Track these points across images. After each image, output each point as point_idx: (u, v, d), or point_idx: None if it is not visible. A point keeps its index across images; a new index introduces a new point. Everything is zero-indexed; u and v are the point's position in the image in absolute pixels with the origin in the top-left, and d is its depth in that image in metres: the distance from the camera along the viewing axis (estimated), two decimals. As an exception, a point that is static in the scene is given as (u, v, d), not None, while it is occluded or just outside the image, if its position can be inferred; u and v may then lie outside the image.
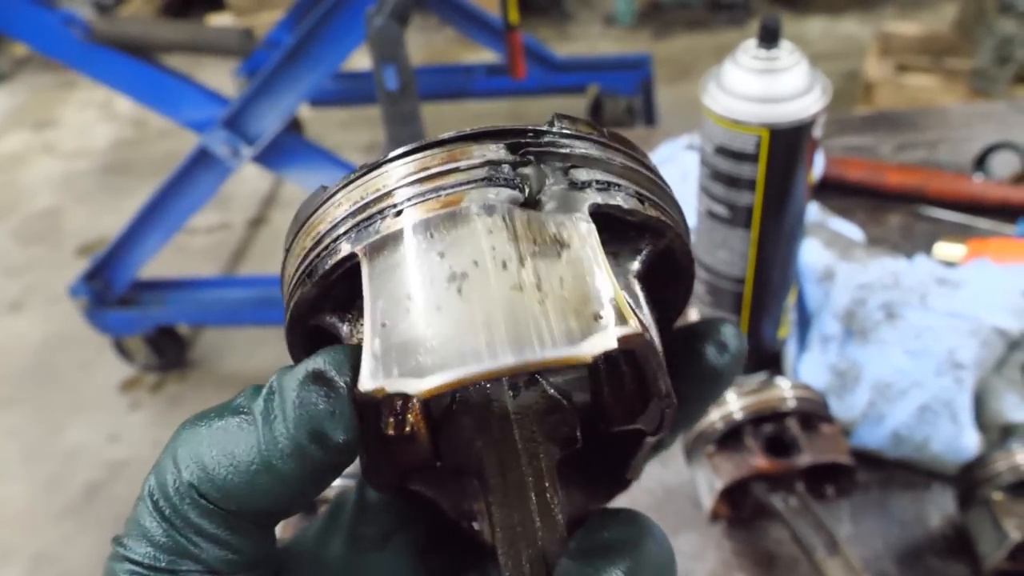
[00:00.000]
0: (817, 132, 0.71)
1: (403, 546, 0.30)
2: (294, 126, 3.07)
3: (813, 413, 0.72)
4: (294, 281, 0.27)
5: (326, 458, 0.24)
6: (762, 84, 0.69)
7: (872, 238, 1.01)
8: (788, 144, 0.70)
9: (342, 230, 0.25)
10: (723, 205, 0.75)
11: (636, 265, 0.27)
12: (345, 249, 0.25)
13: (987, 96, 2.60)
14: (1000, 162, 1.08)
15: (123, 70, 2.05)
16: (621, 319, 0.23)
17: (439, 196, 0.24)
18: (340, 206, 0.26)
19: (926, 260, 0.87)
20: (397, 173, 0.25)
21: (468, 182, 0.25)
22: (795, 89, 0.69)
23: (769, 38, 0.69)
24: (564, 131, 0.26)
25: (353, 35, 1.82)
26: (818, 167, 1.06)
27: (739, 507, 0.75)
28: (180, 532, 0.25)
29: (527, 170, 0.25)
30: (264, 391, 0.25)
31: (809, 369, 0.82)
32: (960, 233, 1.01)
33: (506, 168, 0.25)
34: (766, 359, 0.87)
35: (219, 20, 3.86)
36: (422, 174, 0.25)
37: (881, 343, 0.78)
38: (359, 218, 0.25)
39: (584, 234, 0.24)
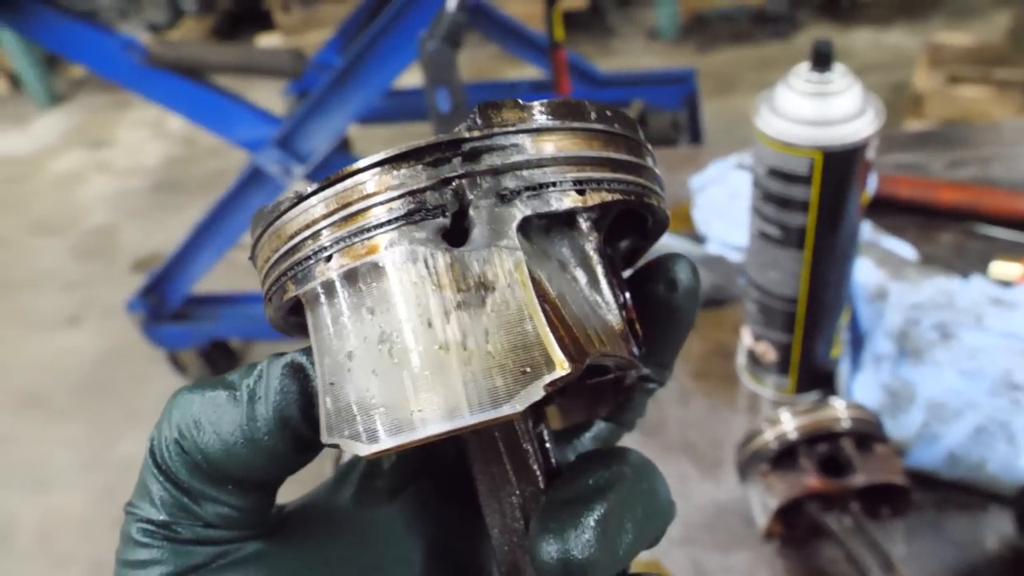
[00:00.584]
0: (870, 154, 0.72)
1: (411, 499, 0.30)
2: (344, 145, 3.13)
3: (867, 433, 0.73)
4: (264, 292, 0.27)
5: (298, 443, 0.26)
6: (815, 107, 0.70)
7: (924, 256, 1.00)
8: (841, 166, 0.71)
9: (284, 266, 0.25)
10: (775, 226, 0.76)
11: (592, 240, 0.26)
12: (291, 290, 0.25)
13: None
14: (1055, 178, 1.07)
15: (179, 91, 2.11)
16: (549, 365, 0.22)
17: (362, 241, 0.23)
18: (279, 239, 0.25)
19: (981, 280, 0.87)
20: (320, 209, 0.24)
21: (388, 222, 0.23)
22: (848, 112, 0.70)
23: (822, 61, 0.70)
24: (488, 132, 0.24)
25: (403, 56, 1.86)
26: (869, 186, 1.06)
27: (793, 526, 0.76)
28: (178, 489, 0.26)
29: (449, 192, 0.24)
30: (255, 373, 0.26)
31: (862, 389, 0.82)
32: (1015, 251, 1.00)
33: (428, 195, 0.23)
34: (819, 378, 0.87)
35: (268, 40, 3.94)
36: (343, 212, 0.24)
37: (935, 363, 0.78)
38: (295, 258, 0.25)
39: (510, 269, 0.23)
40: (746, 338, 0.88)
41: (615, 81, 2.92)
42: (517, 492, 0.27)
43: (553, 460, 0.28)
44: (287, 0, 3.88)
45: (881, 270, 0.89)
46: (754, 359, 0.88)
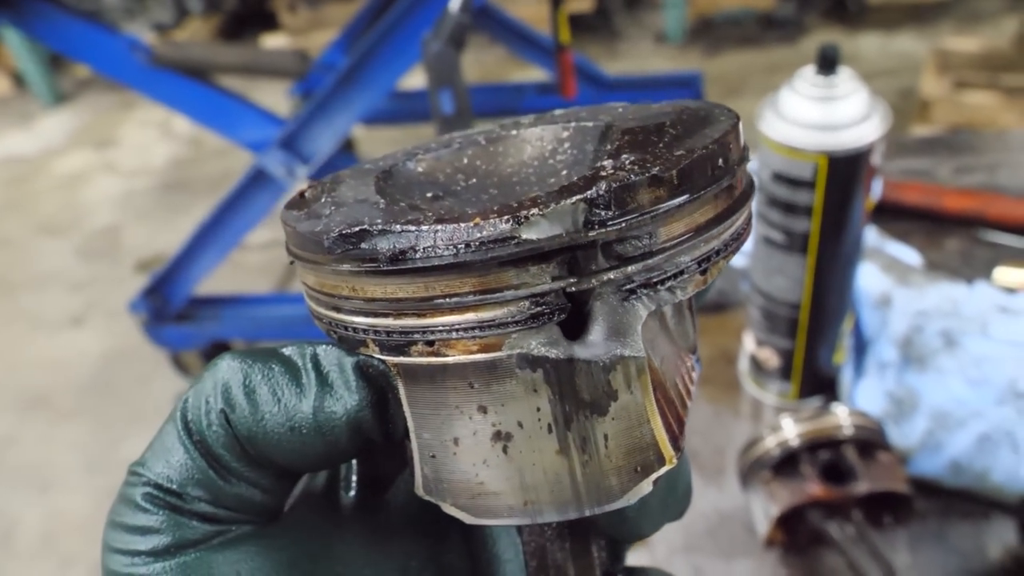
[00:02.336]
0: (876, 159, 0.71)
1: (408, 509, 0.29)
2: (348, 146, 3.13)
3: (870, 441, 0.72)
4: (312, 312, 0.25)
5: (365, 442, 0.25)
6: (820, 111, 0.69)
7: (930, 262, 1.00)
8: (846, 171, 0.70)
9: (360, 322, 0.23)
10: (779, 231, 0.75)
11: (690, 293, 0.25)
12: (373, 349, 0.23)
13: (1048, 113, 2.54)
14: (1063, 185, 1.06)
15: (184, 92, 2.11)
16: (661, 461, 0.23)
17: (476, 337, 0.21)
18: (352, 289, 0.23)
19: (987, 287, 0.86)
20: (415, 290, 0.22)
21: (508, 323, 0.21)
22: (854, 116, 0.69)
23: (828, 65, 0.70)
24: (621, 224, 0.21)
25: (407, 57, 1.86)
26: (875, 191, 1.05)
27: (794, 534, 0.75)
28: (207, 461, 0.25)
29: (574, 288, 0.22)
30: (324, 363, 0.25)
31: (865, 395, 0.82)
32: (1021, 258, 0.99)
33: (552, 297, 0.21)
34: (822, 384, 0.86)
35: (274, 40, 3.95)
36: (455, 300, 0.21)
37: (939, 371, 0.77)
38: (381, 324, 0.23)
39: (633, 375, 0.22)
40: (749, 344, 0.87)
41: (621, 84, 2.91)
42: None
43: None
44: (293, 1, 3.88)
45: (886, 276, 0.88)
46: (757, 365, 0.87)
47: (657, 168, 0.21)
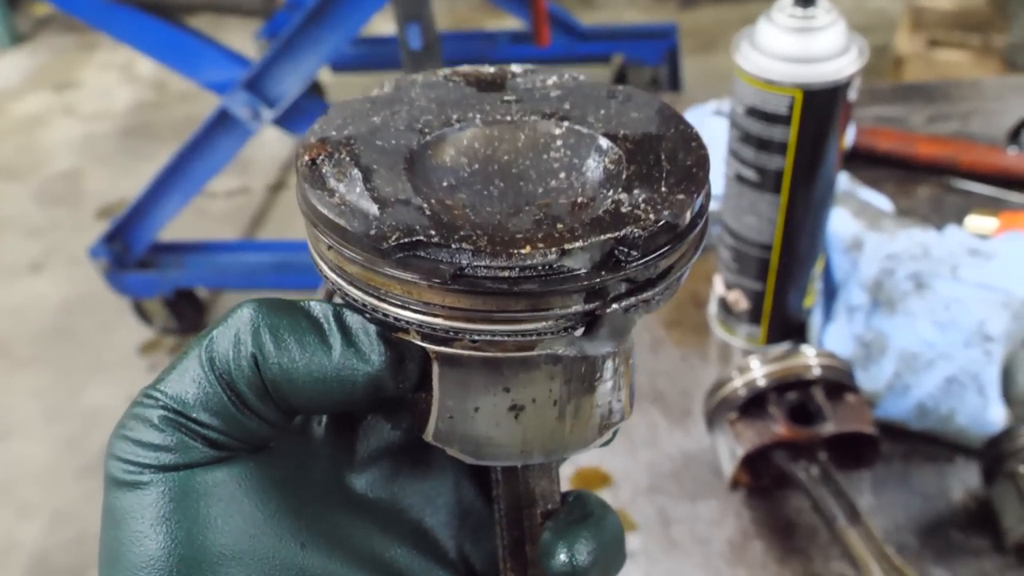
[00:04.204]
0: (852, 95, 0.69)
1: (376, 428, 0.33)
2: (316, 91, 3.06)
3: (838, 382, 0.71)
4: (339, 291, 0.28)
5: (380, 397, 0.28)
6: (797, 43, 0.67)
7: (902, 210, 0.99)
8: (822, 106, 0.68)
9: (408, 317, 0.26)
10: (753, 169, 0.74)
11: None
12: (414, 336, 0.26)
13: (1021, 72, 2.55)
14: (1035, 135, 1.06)
15: (145, 29, 2.04)
16: (621, 417, 0.31)
17: (517, 340, 0.26)
18: (406, 291, 0.25)
19: (957, 230, 0.85)
20: (471, 303, 0.25)
21: (543, 332, 0.26)
22: (831, 49, 0.67)
23: (805, -4, 0.67)
24: (636, 270, 0.26)
25: (376, -3, 1.81)
26: (848, 136, 1.04)
27: (760, 475, 0.75)
28: (224, 391, 0.27)
29: (599, 311, 0.26)
30: (348, 326, 0.28)
31: (834, 339, 0.81)
32: (992, 206, 0.99)
33: (580, 316, 0.26)
34: (791, 328, 0.86)
35: (241, -16, 3.84)
36: (507, 315, 0.25)
37: (908, 314, 0.77)
38: (429, 322, 0.26)
39: (621, 363, 0.29)
40: (718, 287, 0.86)
41: (596, 34, 2.87)
42: (541, 502, 0.32)
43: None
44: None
45: (857, 221, 0.87)
46: (726, 308, 0.86)
47: (668, 215, 0.26)
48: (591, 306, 0.25)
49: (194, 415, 0.27)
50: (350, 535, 0.30)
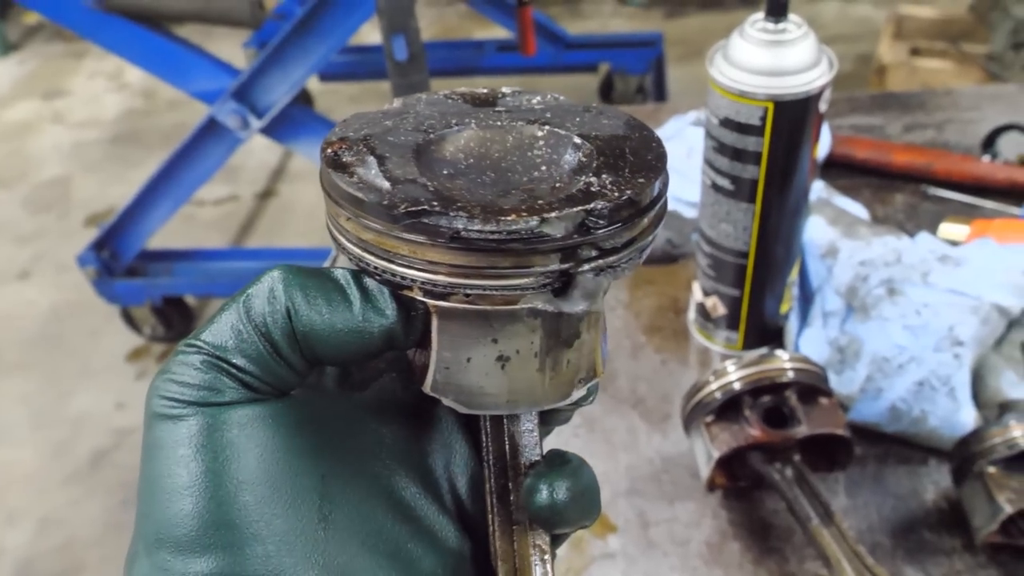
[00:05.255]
0: (823, 106, 0.71)
1: (380, 391, 0.37)
2: (304, 100, 3.07)
3: (812, 385, 0.73)
4: (351, 255, 0.32)
5: (392, 346, 0.32)
6: (769, 57, 0.69)
7: (878, 217, 1.01)
8: (794, 117, 0.70)
9: (414, 275, 0.31)
10: (727, 178, 0.76)
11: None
12: (418, 294, 0.31)
13: (1002, 81, 2.58)
14: (1008, 143, 1.08)
15: (134, 39, 2.05)
16: (594, 374, 0.34)
17: (504, 294, 0.30)
18: (412, 251, 0.30)
19: (928, 237, 0.87)
20: (467, 260, 0.30)
21: (525, 288, 0.30)
22: (802, 62, 0.69)
23: (777, 11, 0.69)
24: (605, 234, 0.30)
25: (363, 6, 1.82)
26: (825, 145, 1.06)
27: (736, 477, 0.76)
28: (259, 339, 0.31)
29: (572, 271, 0.31)
30: (366, 287, 0.32)
31: (810, 344, 0.83)
32: (966, 213, 1.01)
33: (556, 273, 0.31)
34: (769, 334, 0.87)
35: (230, -8, 3.84)
36: (495, 270, 0.30)
37: (881, 319, 0.79)
38: (431, 278, 0.30)
39: (594, 323, 0.33)
40: (696, 293, 0.88)
41: (583, 44, 2.90)
42: (525, 453, 0.36)
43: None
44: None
45: (833, 228, 0.89)
46: (704, 314, 0.88)
47: (631, 193, 0.30)
48: (565, 266, 0.30)
49: (231, 359, 0.30)
50: (365, 471, 0.33)
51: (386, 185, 0.30)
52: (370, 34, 2.99)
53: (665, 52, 2.85)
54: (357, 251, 0.32)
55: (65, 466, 2.18)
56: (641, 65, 2.76)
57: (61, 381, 2.40)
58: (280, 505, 0.30)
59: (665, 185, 0.33)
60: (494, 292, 0.30)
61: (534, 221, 0.29)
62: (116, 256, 2.28)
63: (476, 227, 0.29)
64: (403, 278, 0.31)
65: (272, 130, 2.06)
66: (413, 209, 0.29)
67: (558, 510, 0.33)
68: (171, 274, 2.34)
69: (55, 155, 3.32)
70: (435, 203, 0.29)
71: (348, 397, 0.35)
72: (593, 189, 0.31)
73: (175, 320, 2.44)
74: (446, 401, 0.33)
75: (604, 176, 0.31)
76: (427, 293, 0.31)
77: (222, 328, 0.31)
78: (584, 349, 0.33)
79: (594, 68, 2.88)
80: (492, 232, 0.29)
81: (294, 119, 2.05)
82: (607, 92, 2.86)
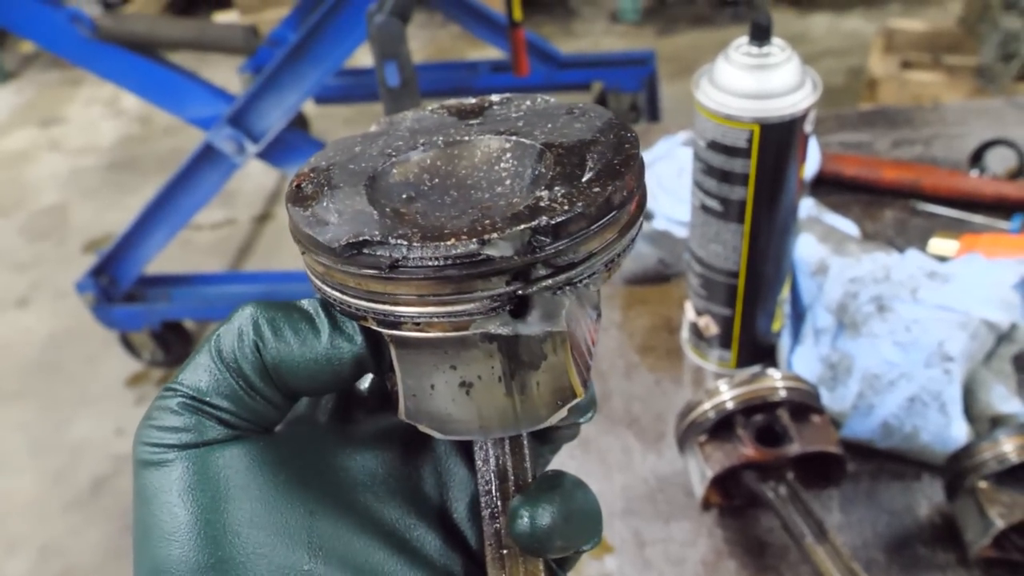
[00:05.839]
0: (808, 127, 0.72)
1: (374, 418, 0.37)
2: (300, 123, 3.09)
3: (804, 403, 0.74)
4: (317, 288, 0.32)
5: (362, 373, 0.33)
6: (754, 80, 0.70)
7: (867, 233, 1.02)
8: (779, 139, 0.71)
9: (365, 306, 0.30)
10: (716, 199, 0.77)
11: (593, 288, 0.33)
12: (372, 324, 0.31)
13: (992, 93, 2.60)
14: (996, 158, 1.09)
15: (129, 67, 2.06)
16: (573, 395, 0.33)
17: (451, 321, 0.30)
18: (358, 283, 0.30)
19: (917, 254, 0.88)
20: (409, 289, 0.29)
21: (473, 313, 0.29)
22: (786, 85, 0.70)
23: (760, 35, 0.71)
24: (554, 251, 0.29)
25: (356, 32, 1.84)
26: (814, 163, 1.07)
27: (731, 496, 0.77)
28: (232, 377, 0.31)
29: (521, 292, 0.30)
30: (336, 318, 0.32)
31: (802, 361, 0.83)
32: (955, 228, 1.02)
33: (505, 296, 0.29)
34: (761, 352, 0.88)
35: (225, 17, 3.88)
36: (438, 297, 0.29)
37: (872, 335, 0.79)
38: (380, 309, 0.30)
39: (559, 344, 0.31)
40: (689, 312, 0.88)
41: (576, 63, 2.92)
42: (513, 477, 0.35)
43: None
44: (244, -23, 3.81)
45: (823, 245, 0.90)
46: (697, 333, 0.88)
47: (581, 205, 0.29)
48: (514, 287, 0.29)
49: (208, 399, 0.31)
50: (357, 503, 0.33)
51: (333, 218, 0.30)
52: (365, 57, 3.01)
53: (658, 70, 2.87)
54: (318, 283, 0.32)
55: (65, 493, 2.18)
56: (634, 83, 2.78)
57: (60, 408, 2.40)
58: (268, 543, 0.30)
59: (637, 189, 0.31)
60: (442, 320, 0.29)
61: (474, 244, 0.28)
62: (115, 282, 2.29)
63: (415, 255, 0.28)
64: (356, 309, 0.30)
65: (268, 155, 2.07)
66: (353, 241, 0.29)
67: (539, 537, 0.32)
68: (169, 299, 2.35)
69: (52, 182, 3.33)
70: (376, 233, 0.29)
71: (340, 428, 0.36)
72: (542, 204, 0.29)
73: (174, 345, 2.45)
74: (421, 427, 0.33)
75: (557, 188, 0.30)
76: (380, 323, 0.30)
77: (196, 369, 0.31)
78: (555, 371, 0.32)
79: (587, 87, 2.90)
80: (430, 259, 0.28)
81: (289, 143, 2.07)
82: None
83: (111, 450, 2.26)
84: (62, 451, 2.29)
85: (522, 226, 0.28)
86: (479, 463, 0.35)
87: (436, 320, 0.29)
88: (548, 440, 0.37)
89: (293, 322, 0.32)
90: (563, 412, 0.33)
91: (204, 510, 0.30)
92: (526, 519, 0.32)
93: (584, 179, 0.30)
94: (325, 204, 0.31)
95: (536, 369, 0.31)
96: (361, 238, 0.29)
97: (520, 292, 0.29)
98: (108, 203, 3.15)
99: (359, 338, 0.32)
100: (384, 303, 0.30)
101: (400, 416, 0.33)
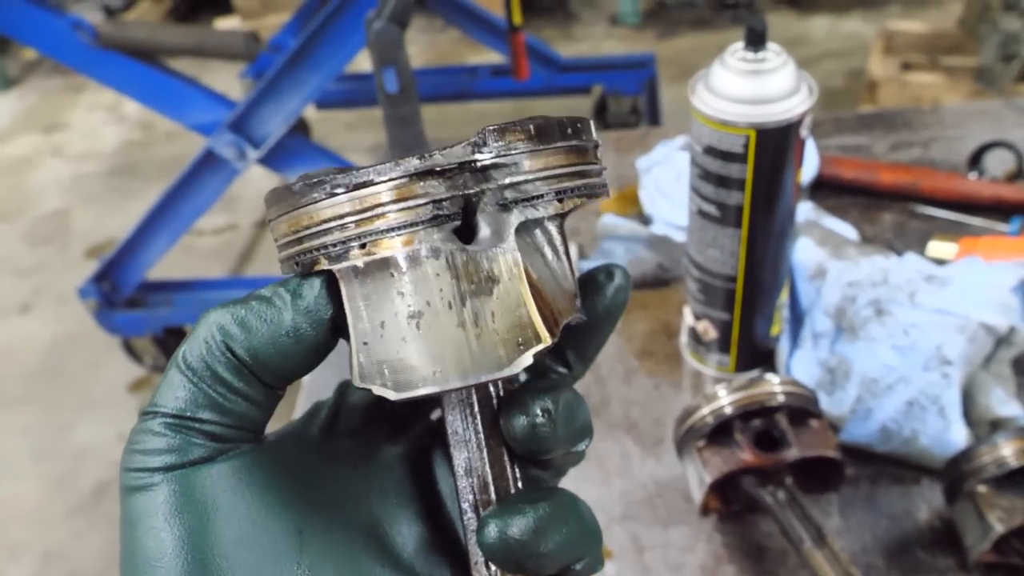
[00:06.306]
0: (804, 132, 0.72)
1: (372, 433, 0.36)
2: (302, 128, 3.10)
3: (802, 408, 0.74)
4: (286, 255, 0.32)
5: (334, 334, 0.32)
6: (749, 86, 0.70)
7: (866, 236, 1.02)
8: (776, 144, 0.71)
9: (315, 243, 0.30)
10: (713, 204, 0.77)
11: (557, 225, 0.33)
12: (324, 264, 0.31)
13: (991, 94, 2.60)
14: (994, 160, 1.09)
15: (130, 74, 2.07)
16: (537, 339, 0.30)
17: (394, 236, 0.29)
18: (311, 219, 0.30)
19: (915, 257, 0.88)
20: (356, 204, 0.29)
21: (417, 223, 0.29)
22: (782, 90, 0.70)
23: (756, 40, 0.71)
24: (496, 154, 0.30)
25: (355, 38, 1.84)
26: (812, 166, 1.07)
27: (729, 501, 0.77)
28: (208, 385, 0.30)
29: (463, 200, 0.30)
30: (291, 288, 0.31)
31: (801, 366, 0.83)
32: (954, 231, 1.02)
33: (448, 203, 0.29)
34: (760, 356, 0.88)
35: (226, 23, 3.88)
36: (378, 210, 0.29)
37: (870, 339, 0.79)
38: (329, 239, 0.30)
39: (511, 265, 0.30)
40: (688, 317, 0.88)
41: (576, 66, 2.92)
42: (494, 484, 0.33)
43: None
44: (245, -17, 3.82)
45: (821, 249, 0.90)
46: (695, 338, 0.89)
47: (520, 125, 0.30)
48: (453, 191, 0.29)
49: (189, 414, 0.30)
50: (348, 519, 0.32)
51: (298, 186, 0.31)
52: (365, 61, 3.01)
53: (658, 73, 2.87)
54: (283, 253, 0.32)
55: (67, 499, 2.18)
56: (634, 86, 2.79)
57: (62, 413, 2.41)
58: (257, 564, 0.29)
59: (582, 130, 0.32)
60: (386, 235, 0.29)
61: (415, 159, 0.29)
62: (117, 288, 2.30)
63: (362, 171, 0.29)
64: (311, 252, 0.30)
65: (269, 160, 2.07)
66: (308, 176, 0.30)
67: (511, 548, 0.30)
68: (171, 304, 2.35)
69: (55, 188, 3.34)
70: (333, 174, 0.30)
71: (334, 443, 0.35)
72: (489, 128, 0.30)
73: (176, 350, 2.45)
74: (376, 390, 0.30)
75: (504, 125, 0.30)
76: (330, 259, 0.30)
77: (170, 387, 0.31)
78: (510, 300, 0.30)
79: (588, 90, 2.90)
80: (375, 171, 0.29)
81: (290, 149, 2.07)
82: (601, 114, 2.88)
83: (113, 455, 2.26)
84: (64, 456, 2.29)
85: (463, 143, 0.29)
86: (459, 474, 0.33)
87: (382, 237, 0.29)
88: (548, 466, 0.35)
89: (254, 309, 0.31)
90: (527, 358, 0.30)
91: (191, 533, 0.29)
92: (493, 529, 0.30)
93: (526, 125, 0.31)
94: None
95: (488, 295, 0.30)
96: (317, 179, 0.30)
97: (461, 192, 0.29)
98: (110, 209, 3.16)
99: (324, 301, 0.31)
100: (332, 232, 0.30)
101: (354, 380, 0.31)
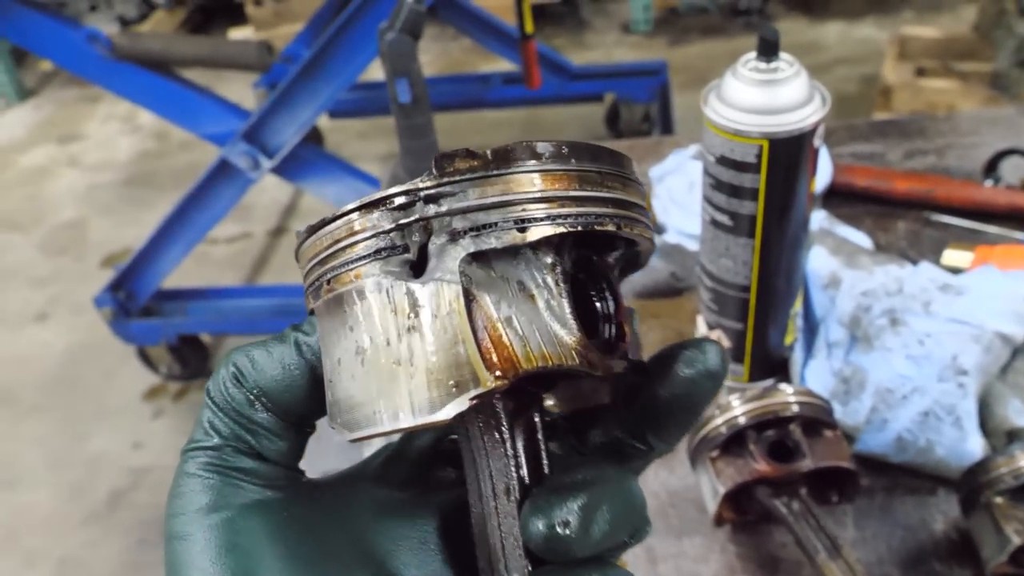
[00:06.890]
0: (817, 141, 0.72)
1: (429, 478, 0.36)
2: (315, 137, 3.11)
3: (816, 418, 0.73)
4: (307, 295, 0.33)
5: None
6: (762, 96, 0.70)
7: (880, 245, 1.01)
8: (788, 154, 0.71)
9: (306, 282, 0.31)
10: (726, 214, 0.77)
11: (549, 263, 0.29)
12: (309, 302, 0.31)
13: (1006, 100, 2.59)
14: (1010, 168, 1.09)
15: (145, 85, 2.09)
16: (475, 381, 0.27)
17: (347, 271, 0.29)
18: (304, 258, 0.31)
19: (929, 266, 0.88)
20: (322, 243, 0.30)
21: (365, 256, 0.28)
22: (794, 100, 0.70)
23: (768, 50, 0.71)
24: (440, 182, 0.28)
25: (368, 48, 1.85)
26: (826, 175, 1.07)
27: (743, 511, 0.76)
28: (237, 421, 0.32)
29: (413, 232, 0.28)
30: (302, 328, 0.33)
31: (815, 375, 0.83)
32: (969, 239, 1.01)
33: (393, 235, 0.28)
34: (774, 366, 0.88)
35: (240, 33, 3.91)
36: (335, 247, 0.29)
37: (884, 349, 0.79)
38: (311, 280, 0.31)
39: (451, 299, 0.28)
40: (701, 326, 0.88)
41: (588, 74, 2.93)
42: (492, 476, 0.31)
43: (544, 449, 0.32)
44: (258, -7, 3.85)
45: (835, 258, 0.89)
46: (709, 347, 0.88)
47: (469, 151, 0.28)
48: (398, 221, 0.28)
49: (223, 453, 0.32)
50: (382, 572, 0.32)
51: None
52: (378, 70, 3.03)
53: (670, 80, 2.87)
54: (304, 284, 0.33)
55: (82, 507, 2.19)
56: (646, 94, 2.79)
57: (78, 422, 2.42)
58: None
59: (553, 161, 0.29)
60: (341, 270, 0.29)
61: (369, 198, 0.29)
62: (132, 297, 2.31)
63: (343, 210, 0.29)
64: (305, 292, 0.31)
65: (282, 169, 2.09)
66: (311, 224, 0.31)
67: (562, 539, 0.28)
68: (186, 313, 2.36)
69: (70, 198, 3.37)
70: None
71: (381, 491, 0.35)
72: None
73: (191, 358, 2.46)
74: (336, 428, 0.30)
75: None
76: (311, 298, 0.31)
77: (200, 420, 0.32)
78: (447, 336, 0.27)
79: (600, 98, 2.90)
80: (348, 210, 0.29)
81: (304, 159, 2.08)
82: (613, 121, 2.88)
83: (128, 464, 2.28)
84: (80, 465, 2.30)
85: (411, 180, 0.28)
86: (478, 538, 0.32)
87: (339, 272, 0.29)
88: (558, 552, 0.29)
89: (263, 345, 0.32)
90: (462, 402, 0.27)
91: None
92: (541, 525, 0.28)
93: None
94: None
95: (422, 332, 0.28)
96: (318, 221, 0.30)
97: (403, 220, 0.28)
98: (125, 218, 3.18)
99: (316, 336, 0.32)
100: (314, 269, 0.30)
101: (328, 422, 0.31)
